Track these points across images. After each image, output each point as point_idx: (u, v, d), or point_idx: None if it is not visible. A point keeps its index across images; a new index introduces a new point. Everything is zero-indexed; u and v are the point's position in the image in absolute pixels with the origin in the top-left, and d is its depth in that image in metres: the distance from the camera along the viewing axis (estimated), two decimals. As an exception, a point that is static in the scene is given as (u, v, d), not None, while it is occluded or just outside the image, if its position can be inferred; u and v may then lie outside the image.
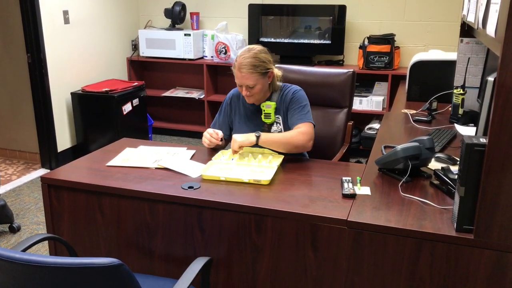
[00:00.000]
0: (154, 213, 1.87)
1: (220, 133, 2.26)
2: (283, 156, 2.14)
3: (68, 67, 4.37)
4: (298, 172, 2.04)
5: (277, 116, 2.31)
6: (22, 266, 1.18)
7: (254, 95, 2.25)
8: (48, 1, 4.06)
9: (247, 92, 2.22)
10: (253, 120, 2.35)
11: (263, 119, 2.31)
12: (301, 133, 2.17)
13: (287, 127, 2.30)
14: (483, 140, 1.42)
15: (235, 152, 2.15)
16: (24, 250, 1.59)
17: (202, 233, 1.83)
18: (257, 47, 2.26)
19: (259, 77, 2.20)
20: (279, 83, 2.36)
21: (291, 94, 2.30)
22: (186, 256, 1.87)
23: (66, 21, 4.29)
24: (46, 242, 2.75)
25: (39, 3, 3.96)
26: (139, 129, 4.67)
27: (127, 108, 4.40)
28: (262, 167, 2.04)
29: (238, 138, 2.14)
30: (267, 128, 2.31)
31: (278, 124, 2.32)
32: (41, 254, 2.72)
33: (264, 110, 2.30)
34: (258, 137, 2.13)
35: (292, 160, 2.17)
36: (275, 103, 2.29)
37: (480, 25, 1.81)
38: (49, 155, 4.30)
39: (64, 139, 4.42)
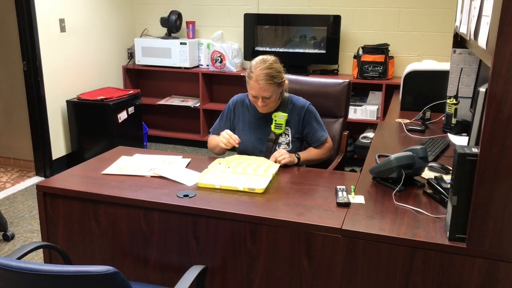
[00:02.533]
0: (149, 221, 1.88)
1: (238, 139, 2.27)
2: (278, 165, 2.16)
3: (63, 75, 4.38)
4: (292, 181, 2.05)
5: (286, 127, 2.34)
6: (18, 274, 1.18)
7: (268, 105, 2.28)
8: (44, 9, 4.08)
9: (263, 103, 2.25)
10: (259, 128, 2.37)
11: (273, 128, 2.33)
12: (330, 148, 2.44)
13: (295, 139, 2.36)
14: (475, 150, 1.44)
15: (277, 161, 2.19)
16: (19, 258, 1.59)
17: (197, 241, 1.83)
18: (271, 58, 2.29)
19: (276, 88, 2.24)
20: (286, 94, 2.40)
21: (306, 108, 2.37)
22: (181, 264, 1.88)
23: (62, 29, 4.30)
24: (41, 250, 2.74)
25: (35, 11, 3.97)
26: (134, 137, 4.67)
27: (122, 116, 4.41)
28: (257, 176, 2.05)
29: (287, 156, 2.20)
30: (275, 138, 2.33)
31: (287, 136, 2.34)
32: (36, 262, 2.71)
33: (275, 120, 2.32)
34: (299, 159, 2.27)
35: (287, 169, 2.19)
36: (287, 114, 2.33)
37: (472, 37, 1.84)
38: (44, 163, 4.29)
39: (59, 147, 4.42)
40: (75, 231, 2.00)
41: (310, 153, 2.36)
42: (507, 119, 1.34)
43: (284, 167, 2.18)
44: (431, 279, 1.56)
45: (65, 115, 4.42)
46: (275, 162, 2.18)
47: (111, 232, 1.95)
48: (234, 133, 2.42)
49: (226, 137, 2.26)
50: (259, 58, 2.29)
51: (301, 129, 2.36)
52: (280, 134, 2.34)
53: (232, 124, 2.45)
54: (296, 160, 2.25)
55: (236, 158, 2.24)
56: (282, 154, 2.20)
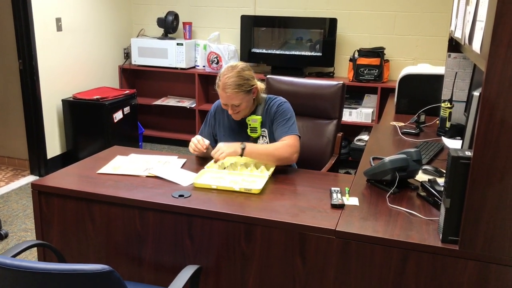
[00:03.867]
0: (144, 221, 1.88)
1: (207, 142, 2.24)
2: (274, 166, 2.16)
3: (59, 74, 4.37)
4: (288, 182, 2.06)
5: (263, 129, 2.32)
6: (12, 271, 1.19)
7: (240, 112, 2.25)
8: (41, 8, 4.07)
9: (233, 110, 2.23)
10: (239, 133, 2.34)
11: (249, 133, 2.30)
12: (287, 145, 2.18)
13: (272, 140, 2.30)
14: (468, 153, 1.46)
15: (217, 161, 2.14)
16: (13, 257, 1.59)
17: (192, 241, 1.84)
18: (240, 65, 2.24)
19: (244, 95, 2.20)
20: (263, 95, 2.36)
21: (276, 106, 2.30)
22: (175, 264, 1.88)
23: (59, 28, 4.29)
24: (34, 249, 2.73)
25: (32, 10, 3.97)
26: (130, 137, 4.67)
27: (118, 116, 4.40)
28: (254, 177, 2.06)
29: (225, 149, 2.13)
30: (253, 142, 2.32)
31: (264, 138, 2.32)
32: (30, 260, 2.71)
33: (250, 125, 2.29)
34: (243, 149, 2.13)
35: (283, 171, 2.19)
36: (261, 117, 2.29)
37: (467, 41, 1.86)
38: (39, 162, 4.28)
39: (54, 146, 4.40)
40: (69, 230, 2.00)
41: (262, 145, 2.25)
42: (500, 123, 1.36)
43: (279, 168, 2.19)
44: (423, 280, 1.58)
45: (61, 114, 4.41)
46: (215, 161, 2.13)
47: (105, 232, 1.95)
48: (218, 139, 2.39)
49: (194, 142, 2.21)
50: (228, 65, 2.24)
51: (272, 128, 2.32)
52: (258, 138, 2.32)
53: (214, 129, 2.42)
54: (239, 151, 2.12)
55: (232, 159, 2.25)
56: (219, 149, 2.12)
